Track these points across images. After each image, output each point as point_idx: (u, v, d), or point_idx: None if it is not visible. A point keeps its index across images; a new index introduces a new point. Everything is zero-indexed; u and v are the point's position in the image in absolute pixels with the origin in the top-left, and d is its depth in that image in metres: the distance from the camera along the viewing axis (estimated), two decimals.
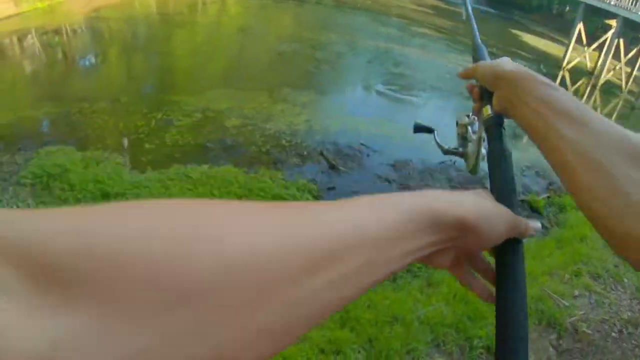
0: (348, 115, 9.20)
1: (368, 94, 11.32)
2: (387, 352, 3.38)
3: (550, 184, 8.02)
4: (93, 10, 16.86)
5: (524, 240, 0.61)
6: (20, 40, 12.47)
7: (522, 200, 7.04)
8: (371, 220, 0.40)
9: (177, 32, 15.52)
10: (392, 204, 0.43)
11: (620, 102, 18.47)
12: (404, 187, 6.70)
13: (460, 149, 0.90)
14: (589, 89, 18.96)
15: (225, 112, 8.29)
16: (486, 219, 0.51)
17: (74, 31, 14.39)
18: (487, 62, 0.83)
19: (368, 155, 7.50)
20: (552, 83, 0.69)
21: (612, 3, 19.08)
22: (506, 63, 0.76)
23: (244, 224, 0.34)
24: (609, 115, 16.04)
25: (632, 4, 18.16)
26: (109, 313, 0.25)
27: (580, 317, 4.11)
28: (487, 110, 0.79)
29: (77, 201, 4.98)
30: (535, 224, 0.60)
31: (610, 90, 19.50)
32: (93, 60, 11.95)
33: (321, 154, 7.14)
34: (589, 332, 3.98)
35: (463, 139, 0.93)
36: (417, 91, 12.51)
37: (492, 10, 41.99)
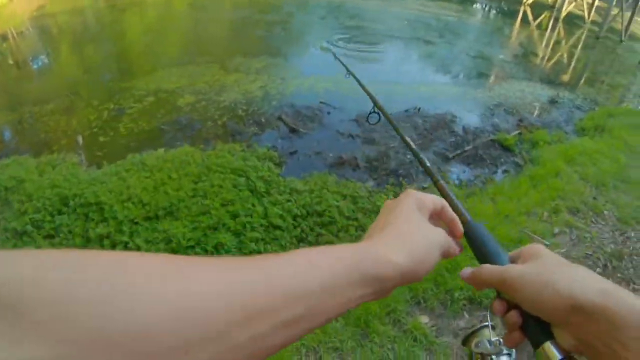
0: (304, 75, 8.90)
1: (323, 52, 10.92)
2: (365, 317, 3.21)
3: (520, 120, 7.85)
4: (37, 8, 16.25)
5: None
6: None
7: (492, 140, 6.85)
8: (309, 276, 0.45)
9: (125, 16, 15.01)
10: (328, 262, 0.48)
11: (585, 33, 18.34)
12: (369, 140, 6.45)
13: None
14: (551, 22, 18.83)
15: (177, 91, 7.93)
16: (419, 260, 0.58)
17: (21, 33, 13.77)
18: (533, 272, 0.58)
19: (329, 113, 7.22)
20: None
21: None
22: (587, 282, 0.53)
23: (180, 279, 0.38)
24: (574, 46, 15.95)
25: None
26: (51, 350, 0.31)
27: (562, 255, 3.94)
28: (551, 354, 0.54)
29: (37, 211, 4.68)
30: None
31: (573, 22, 19.43)
32: (43, 59, 11.41)
33: (279, 118, 6.82)
34: None
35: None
36: (374, 42, 12.21)
37: None
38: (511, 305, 0.59)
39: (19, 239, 4.43)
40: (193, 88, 8.00)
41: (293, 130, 6.53)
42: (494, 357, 0.74)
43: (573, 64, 13.74)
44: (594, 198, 5.26)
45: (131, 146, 6.25)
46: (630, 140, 7.03)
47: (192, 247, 3.72)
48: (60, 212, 4.68)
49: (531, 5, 20.51)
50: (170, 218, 4.39)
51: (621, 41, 17.79)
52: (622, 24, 18.07)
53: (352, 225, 4.35)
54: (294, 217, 4.32)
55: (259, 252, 3.73)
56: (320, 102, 7.49)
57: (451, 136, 6.88)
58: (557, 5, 19.77)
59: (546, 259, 0.60)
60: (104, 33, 13.08)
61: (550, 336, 0.55)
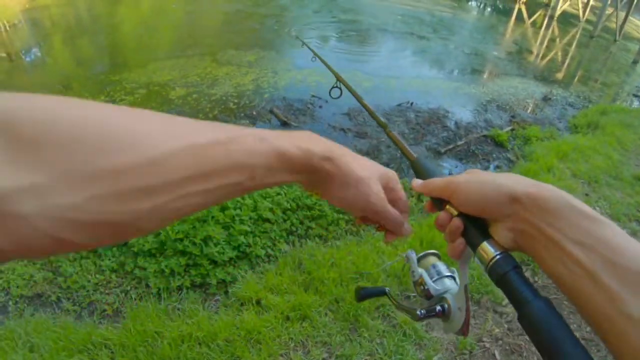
0: (296, 69, 8.84)
1: (313, 45, 10.78)
2: (354, 312, 3.16)
3: (512, 116, 7.86)
4: (30, 0, 16.03)
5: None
6: None
7: (485, 136, 6.83)
8: (244, 152, 0.50)
9: (118, 8, 14.81)
10: (264, 144, 0.53)
11: (579, 32, 18.42)
12: (360, 134, 6.41)
13: (439, 308, 0.73)
14: (546, 20, 18.89)
15: (169, 83, 7.85)
16: (348, 162, 0.64)
17: (13, 25, 13.58)
18: (474, 178, 0.64)
19: (320, 107, 7.16)
20: (598, 214, 0.52)
21: None
22: (521, 180, 0.59)
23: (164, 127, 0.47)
24: (568, 45, 16.01)
25: None
26: (58, 175, 0.36)
27: None
28: (487, 251, 0.60)
29: None
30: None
31: (567, 20, 19.53)
32: (35, 52, 11.20)
33: (271, 111, 6.76)
34: None
35: (427, 295, 0.78)
36: (367, 36, 12.21)
37: None
38: (453, 216, 0.65)
39: None
40: (185, 81, 7.92)
41: (284, 124, 6.48)
42: (437, 280, 0.77)
43: (567, 62, 13.79)
44: (586, 194, 5.26)
45: None
46: (622, 137, 7.06)
47: (181, 239, 3.66)
48: None
49: (526, 3, 20.59)
50: None
51: (615, 40, 17.91)
52: (616, 23, 18.21)
53: (342, 219, 4.30)
54: (284, 211, 4.27)
55: (248, 245, 3.69)
56: (312, 96, 7.44)
57: (443, 131, 6.85)
58: (552, 4, 19.81)
59: (481, 171, 0.66)
60: (97, 25, 12.94)
61: (487, 237, 0.61)
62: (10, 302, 3.21)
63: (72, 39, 11.82)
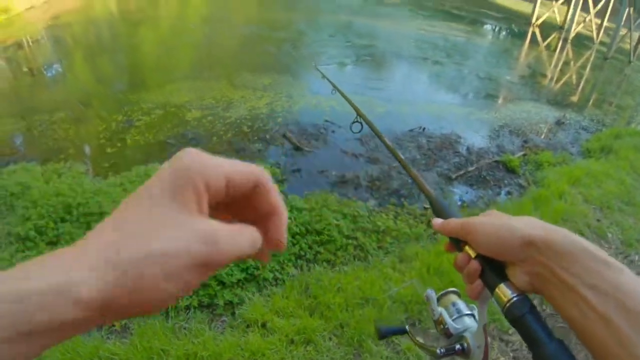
0: (311, 93, 8.94)
1: (328, 70, 10.86)
2: (358, 337, 3.20)
3: (525, 141, 7.86)
4: (53, 17, 16.49)
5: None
6: None
7: (496, 161, 6.85)
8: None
9: (138, 29, 15.15)
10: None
11: (593, 54, 18.38)
12: (372, 159, 6.48)
13: (458, 347, 0.74)
14: (560, 43, 18.85)
15: (185, 105, 8.02)
16: (135, 285, 0.38)
17: (36, 41, 14.01)
18: (490, 220, 0.65)
19: (333, 132, 7.24)
20: (612, 260, 0.54)
21: None
22: (536, 224, 0.60)
23: None
24: (582, 67, 15.98)
25: None
26: None
27: None
28: (504, 293, 0.61)
29: (41, 217, 4.75)
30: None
31: (582, 42, 19.47)
32: (56, 68, 11.58)
33: (284, 136, 6.86)
34: None
35: (447, 334, 0.79)
36: (381, 61, 12.31)
37: None
38: (471, 258, 0.65)
39: (22, 243, 4.49)
40: (201, 103, 8.08)
41: (297, 148, 6.56)
42: (457, 318, 0.78)
43: (581, 85, 13.76)
44: (598, 220, 5.24)
45: (137, 158, 6.32)
46: (636, 161, 7.02)
47: None
48: (63, 220, 4.76)
49: (540, 26, 20.54)
50: None
51: (630, 62, 17.83)
52: (630, 44, 18.13)
53: (351, 244, 4.36)
54: (293, 235, 4.34)
55: (257, 268, 3.76)
56: (325, 121, 7.54)
57: (455, 157, 6.90)
58: (566, 26, 19.80)
59: (498, 213, 0.67)
60: (117, 44, 13.26)
61: (504, 279, 0.61)
62: None
63: (92, 57, 12.13)
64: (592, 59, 17.79)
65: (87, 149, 6.76)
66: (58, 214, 4.82)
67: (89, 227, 4.58)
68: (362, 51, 12.56)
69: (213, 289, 3.49)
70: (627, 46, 18.30)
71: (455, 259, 0.69)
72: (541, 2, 21.06)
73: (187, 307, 3.37)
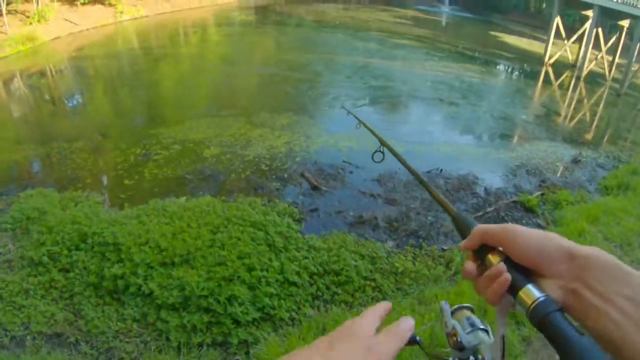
0: (329, 133, 9.03)
1: (345, 110, 10.92)
2: None
3: (542, 181, 7.82)
4: (76, 49, 17.09)
5: None
6: (4, 83, 12.56)
7: (515, 202, 6.82)
8: None
9: (159, 65, 15.63)
10: None
11: (606, 91, 18.40)
12: (390, 200, 6.48)
13: (472, 358, 0.74)
14: (573, 81, 18.94)
15: (204, 141, 8.16)
16: None
17: (59, 71, 14.57)
18: (532, 229, 0.63)
19: (351, 172, 7.28)
20: None
21: None
22: (565, 240, 0.60)
23: None
24: (596, 104, 16.00)
25: None
26: None
27: None
28: (530, 294, 0.58)
29: (55, 244, 4.83)
30: None
31: (594, 80, 19.51)
32: (77, 99, 12.02)
33: (302, 175, 6.92)
34: None
35: (459, 347, 0.76)
36: (397, 102, 12.45)
37: (469, 15, 42.43)
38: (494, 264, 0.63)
39: (34, 268, 4.55)
40: (219, 140, 8.19)
41: (315, 188, 6.60)
42: (470, 332, 0.76)
43: (595, 122, 13.77)
44: (619, 258, 5.15)
45: (154, 192, 6.42)
46: None
47: (206, 296, 3.74)
48: (77, 248, 4.82)
49: (553, 66, 20.64)
50: (186, 266, 4.46)
51: None
52: None
53: (369, 285, 4.35)
54: (311, 275, 4.34)
55: (273, 308, 3.75)
56: (343, 161, 7.57)
57: (473, 197, 6.88)
58: (578, 64, 19.86)
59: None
60: (138, 79, 13.59)
61: (530, 281, 0.59)
62: (28, 337, 3.31)
63: (113, 90, 12.50)
64: (605, 95, 17.81)
65: (104, 180, 6.90)
66: (73, 241, 4.90)
67: (103, 257, 4.63)
68: (378, 92, 12.72)
69: (227, 327, 3.47)
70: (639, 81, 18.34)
71: (486, 258, 0.67)
72: (553, 42, 21.19)
73: (200, 344, 3.36)
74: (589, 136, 11.78)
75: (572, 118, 13.71)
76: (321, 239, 5.16)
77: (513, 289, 0.60)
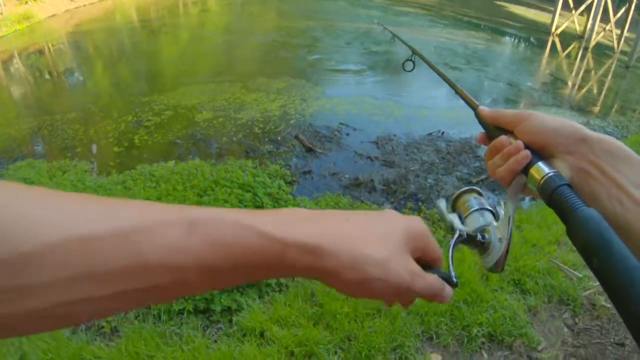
0: (326, 97, 8.77)
1: (344, 74, 10.83)
2: (367, 352, 2.88)
3: None
4: (74, 25, 16.88)
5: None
6: (2, 62, 12.31)
7: None
8: (162, 248, 0.39)
9: (157, 37, 15.35)
10: (194, 235, 0.41)
11: (615, 63, 18.06)
12: (388, 162, 6.20)
13: (480, 237, 0.69)
14: (580, 52, 18.61)
15: (196, 106, 7.91)
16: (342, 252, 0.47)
17: (57, 48, 14.36)
18: (539, 114, 0.68)
19: (348, 135, 7.02)
20: None
21: None
22: (579, 125, 0.65)
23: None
24: (604, 75, 15.66)
25: None
26: None
27: (597, 289, 3.59)
28: (540, 171, 0.62)
29: None
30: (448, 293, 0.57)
31: (602, 52, 19.19)
32: (74, 74, 11.82)
33: (296, 137, 6.65)
34: (609, 305, 3.41)
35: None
36: (399, 68, 12.02)
37: None
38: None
39: None
40: (212, 105, 7.96)
41: (309, 150, 6.34)
42: (476, 212, 0.71)
43: (603, 92, 13.45)
44: None
45: (143, 158, 6.26)
46: None
47: None
48: None
49: (560, 36, 20.26)
50: None
51: None
52: None
53: None
54: None
55: None
56: (340, 124, 7.33)
57: (475, 161, 6.60)
58: (585, 36, 19.46)
59: None
60: (135, 52, 13.41)
61: (542, 159, 0.63)
62: None
63: (110, 63, 12.26)
64: (613, 67, 17.48)
65: (93, 148, 6.71)
66: None
67: None
68: (380, 57, 12.44)
69: (210, 293, 3.21)
70: None
71: (494, 142, 0.70)
72: (560, 13, 20.75)
73: (181, 311, 3.11)
74: (596, 106, 11.48)
75: (579, 87, 13.39)
76: (313, 201, 4.94)
77: (525, 168, 0.65)
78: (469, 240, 0.68)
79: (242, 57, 12.29)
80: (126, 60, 12.48)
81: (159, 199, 4.72)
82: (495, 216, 0.72)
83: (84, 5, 20.14)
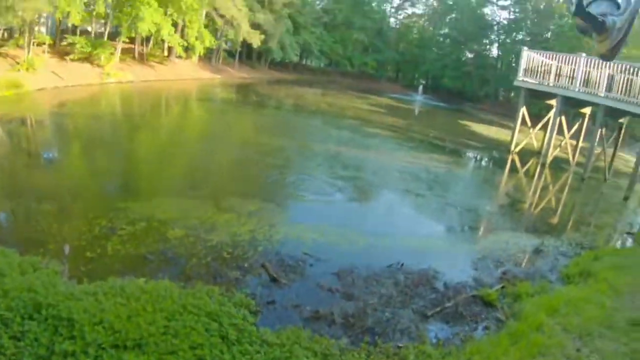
0: (293, 223, 9.09)
1: (312, 200, 11.14)
2: None
3: (504, 273, 7.98)
4: (60, 104, 17.35)
5: None
6: None
7: (474, 296, 6.90)
8: None
9: (138, 133, 15.93)
10: None
11: (570, 176, 19.23)
12: (348, 295, 6.45)
13: (600, 18, 0.64)
14: (538, 168, 19.75)
15: (169, 222, 8.15)
16: None
17: (39, 122, 14.67)
18: None
19: (311, 265, 7.27)
20: None
21: (551, 84, 20.24)
22: None
23: None
24: (560, 191, 16.61)
25: (569, 83, 19.42)
26: None
27: None
28: None
29: (9, 309, 4.67)
30: None
31: (559, 165, 20.44)
32: (53, 154, 12.03)
33: (262, 266, 6.90)
34: None
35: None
36: (364, 193, 12.66)
37: (441, 104, 44.30)
38: None
39: None
40: (185, 223, 8.16)
41: (274, 280, 6.56)
42: None
43: (559, 209, 14.29)
44: (578, 350, 5.11)
45: (115, 268, 6.32)
46: (615, 282, 7.05)
47: None
48: (31, 318, 4.66)
49: (519, 153, 21.44)
50: (137, 351, 4.37)
51: (605, 180, 18.76)
52: (605, 161, 19.15)
53: None
54: None
55: None
56: (304, 253, 7.55)
57: (432, 293, 6.90)
58: (543, 151, 20.67)
59: None
60: (116, 145, 13.74)
61: None
62: None
63: (90, 152, 12.56)
64: (569, 181, 18.59)
65: (66, 249, 6.74)
66: (27, 310, 4.74)
67: (56, 330, 4.50)
68: (346, 183, 12.93)
69: None
70: (603, 164, 19.23)
71: None
72: (520, 130, 22.15)
73: None
74: (552, 224, 12.19)
75: (536, 206, 14.20)
76: (275, 333, 5.11)
77: None
78: (591, 18, 0.69)
79: (217, 171, 12.77)
80: (106, 153, 12.76)
81: (128, 317, 4.82)
82: (619, 7, 0.69)
83: (73, 86, 21.10)
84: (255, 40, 39.41)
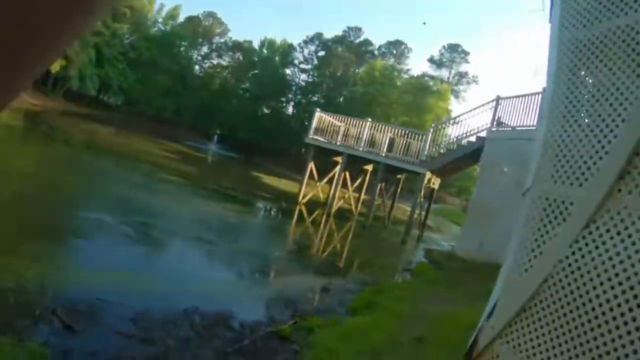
0: (84, 267, 8.59)
1: (103, 244, 10.62)
2: None
3: (295, 310, 8.54)
4: None
5: None
6: None
7: (270, 332, 7.31)
8: None
9: None
10: None
11: (354, 224, 21.32)
12: (146, 340, 6.29)
13: None
14: (324, 218, 21.35)
15: None
16: None
17: None
18: None
19: (105, 311, 6.93)
20: None
21: (338, 144, 23.05)
22: None
23: None
24: (344, 237, 18.36)
25: (354, 144, 22.51)
26: None
27: None
28: None
29: None
30: None
31: (344, 215, 22.54)
32: None
33: (53, 312, 6.40)
34: None
35: None
36: (154, 239, 12.33)
37: (235, 155, 45.38)
38: None
39: None
40: None
41: (68, 327, 6.14)
42: None
43: (345, 253, 15.76)
44: None
45: None
46: (397, 309, 8.21)
47: None
48: None
49: (306, 205, 23.10)
50: None
51: (385, 227, 21.40)
52: (384, 211, 22.05)
53: None
54: None
55: None
56: (97, 299, 7.18)
57: (229, 332, 7.15)
58: (329, 203, 22.64)
59: None
60: None
61: None
62: None
63: None
64: (353, 229, 20.60)
65: None
66: None
67: None
68: (140, 227, 12.47)
69: None
70: (382, 213, 22.02)
71: None
72: (307, 183, 23.94)
73: None
74: (338, 266, 13.48)
75: (323, 251, 15.50)
76: None
77: None
78: None
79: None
80: None
81: None
82: None
83: None
84: (54, 64, 35.93)
